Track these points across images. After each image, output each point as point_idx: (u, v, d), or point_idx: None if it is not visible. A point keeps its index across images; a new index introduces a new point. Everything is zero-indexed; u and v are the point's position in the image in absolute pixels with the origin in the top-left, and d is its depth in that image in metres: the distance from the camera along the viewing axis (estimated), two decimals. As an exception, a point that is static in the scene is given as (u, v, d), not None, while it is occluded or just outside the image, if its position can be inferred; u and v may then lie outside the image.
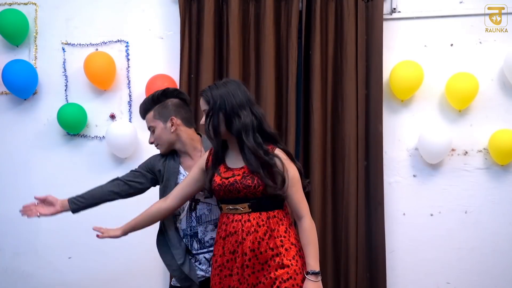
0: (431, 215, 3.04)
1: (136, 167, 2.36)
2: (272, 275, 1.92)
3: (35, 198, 2.28)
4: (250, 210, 1.97)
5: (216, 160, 2.05)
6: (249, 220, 1.97)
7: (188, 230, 2.26)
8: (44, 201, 2.28)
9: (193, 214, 2.25)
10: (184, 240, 2.27)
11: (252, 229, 1.95)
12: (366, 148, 2.99)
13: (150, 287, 3.18)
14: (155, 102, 2.26)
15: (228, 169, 2.02)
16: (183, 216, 2.26)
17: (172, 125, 2.24)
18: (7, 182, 3.28)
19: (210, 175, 2.04)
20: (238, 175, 1.98)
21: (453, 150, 3.03)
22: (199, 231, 2.24)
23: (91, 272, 3.22)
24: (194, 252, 2.25)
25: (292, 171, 1.99)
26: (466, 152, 3.03)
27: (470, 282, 3.01)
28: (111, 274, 3.21)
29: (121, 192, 2.31)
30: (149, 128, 2.31)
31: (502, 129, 2.96)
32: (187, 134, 2.28)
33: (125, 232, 2.22)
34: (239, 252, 1.96)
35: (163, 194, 2.28)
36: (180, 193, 2.14)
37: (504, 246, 2.99)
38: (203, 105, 2.02)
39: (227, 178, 1.99)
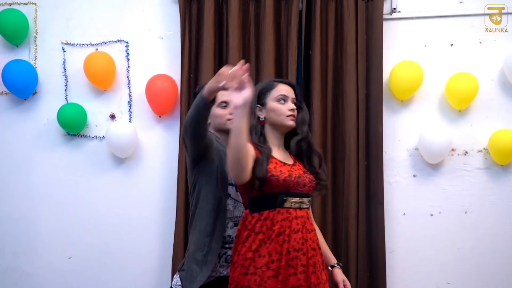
0: (431, 215, 3.04)
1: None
2: (323, 275, 1.96)
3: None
4: (309, 205, 1.98)
5: (265, 152, 1.92)
6: (308, 218, 1.95)
7: None
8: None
9: None
10: None
11: (312, 227, 1.96)
12: (367, 148, 2.99)
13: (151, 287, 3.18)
14: None
15: (281, 162, 1.95)
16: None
17: None
18: (7, 182, 3.28)
19: (266, 164, 1.87)
20: (300, 169, 1.98)
21: (453, 150, 3.03)
22: None
23: (91, 272, 3.21)
24: None
25: None
26: (466, 152, 3.03)
27: (470, 282, 3.00)
28: (111, 274, 3.21)
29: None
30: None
31: (502, 129, 2.95)
32: None
33: None
34: (304, 249, 1.89)
35: (221, 178, 2.08)
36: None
37: (504, 246, 2.99)
38: (291, 93, 2.03)
39: (290, 171, 1.93)
